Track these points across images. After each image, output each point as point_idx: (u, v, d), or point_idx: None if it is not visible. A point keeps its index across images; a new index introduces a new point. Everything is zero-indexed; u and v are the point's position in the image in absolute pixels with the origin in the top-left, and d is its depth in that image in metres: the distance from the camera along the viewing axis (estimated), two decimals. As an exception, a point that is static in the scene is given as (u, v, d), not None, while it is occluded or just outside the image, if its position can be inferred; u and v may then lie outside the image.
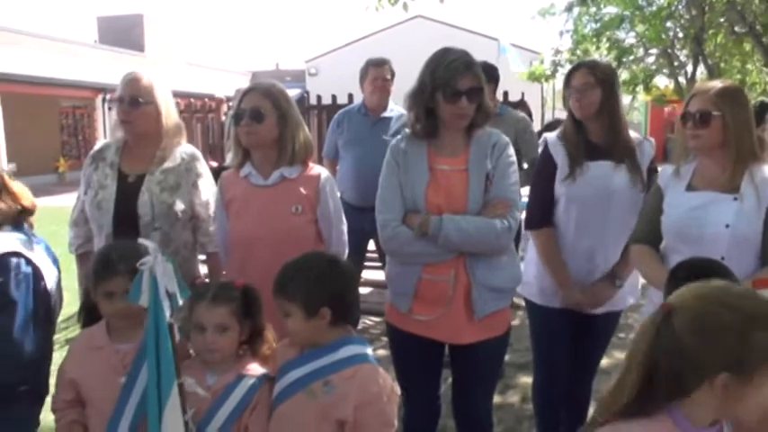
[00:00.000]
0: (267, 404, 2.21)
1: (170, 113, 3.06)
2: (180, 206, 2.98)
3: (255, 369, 2.27)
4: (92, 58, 25.21)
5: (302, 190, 2.81)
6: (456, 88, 2.60)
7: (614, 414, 1.51)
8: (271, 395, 2.22)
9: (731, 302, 1.43)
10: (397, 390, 2.21)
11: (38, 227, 2.59)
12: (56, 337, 2.67)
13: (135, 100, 2.93)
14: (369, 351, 2.24)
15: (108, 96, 18.61)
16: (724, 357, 1.39)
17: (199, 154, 3.17)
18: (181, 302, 2.01)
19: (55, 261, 2.54)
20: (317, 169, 2.92)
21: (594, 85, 2.99)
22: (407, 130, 2.79)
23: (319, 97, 7.78)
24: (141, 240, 2.01)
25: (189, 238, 3.09)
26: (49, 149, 22.97)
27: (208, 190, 3.10)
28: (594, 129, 3.07)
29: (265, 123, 2.76)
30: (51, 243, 2.60)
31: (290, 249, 2.44)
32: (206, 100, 8.83)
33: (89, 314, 2.45)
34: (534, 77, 18.13)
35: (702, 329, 1.41)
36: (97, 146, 3.16)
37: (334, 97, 7.48)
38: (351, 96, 7.06)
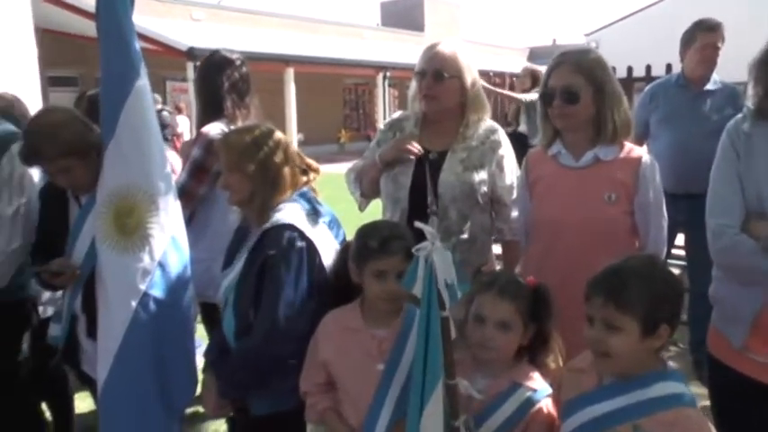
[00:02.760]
0: (546, 425, 1.92)
1: (474, 87, 2.85)
2: (482, 188, 2.76)
3: (535, 381, 1.98)
4: (374, 40, 27.08)
5: (619, 175, 2.43)
6: None
7: None
8: (552, 416, 1.94)
9: None
10: None
11: (318, 190, 2.56)
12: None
13: (439, 74, 2.75)
14: (689, 391, 1.78)
15: (388, 74, 20.08)
16: None
17: (503, 132, 2.92)
18: (459, 295, 1.78)
19: (340, 235, 2.48)
20: (636, 151, 2.51)
21: None
22: (750, 106, 2.22)
23: (613, 69, 7.11)
24: (418, 224, 1.79)
25: (487, 222, 2.87)
26: (332, 122, 25.75)
27: (512, 172, 2.85)
28: None
29: (580, 103, 2.42)
30: (330, 205, 2.56)
31: (599, 244, 2.18)
32: (490, 75, 8.61)
33: (337, 293, 2.33)
34: None
35: None
36: (396, 115, 3.06)
37: (629, 69, 6.84)
38: (648, 68, 6.45)
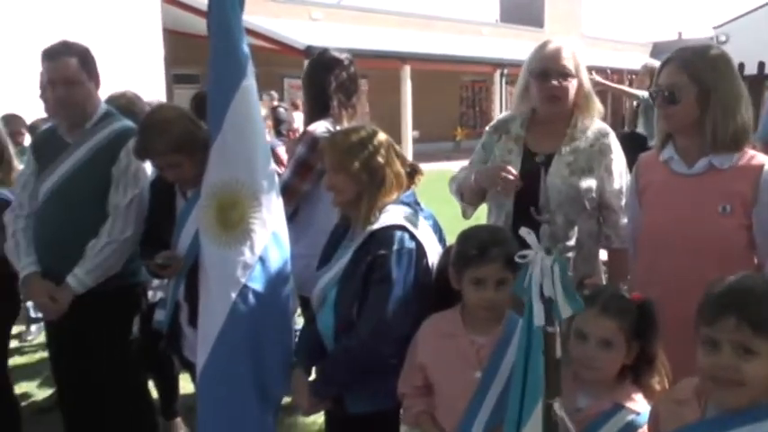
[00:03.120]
0: None
1: (586, 87, 2.75)
2: (590, 193, 2.65)
3: (638, 403, 1.88)
4: (492, 37, 26.72)
5: (735, 184, 2.24)
6: None
7: None
8: None
9: None
10: None
11: (432, 189, 2.54)
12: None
13: (565, 74, 2.65)
14: None
15: (506, 71, 19.89)
16: None
17: (612, 134, 2.80)
18: (565, 313, 1.65)
19: (441, 239, 2.46)
20: (759, 158, 2.30)
21: None
22: None
23: (741, 65, 6.68)
24: (523, 232, 1.71)
25: (594, 228, 2.75)
26: (448, 120, 25.73)
27: (621, 176, 2.72)
28: None
29: (681, 104, 2.26)
30: (442, 206, 2.54)
31: (711, 259, 2.04)
32: (608, 72, 8.29)
33: (439, 296, 2.30)
34: None
35: None
36: (501, 116, 2.99)
37: (761, 65, 6.40)
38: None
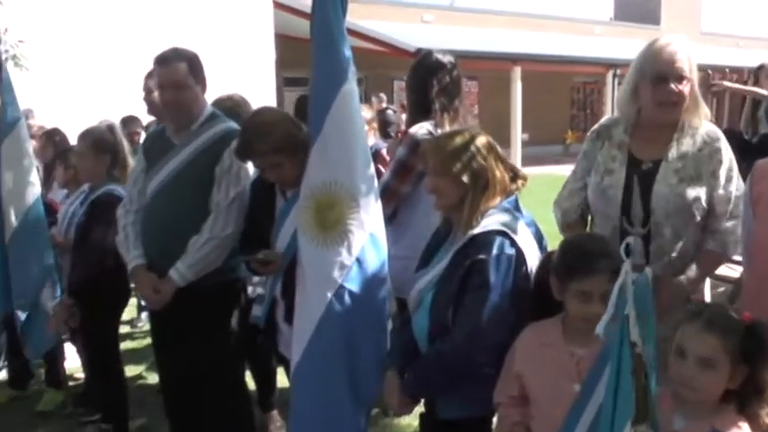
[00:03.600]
0: None
1: (696, 89, 2.56)
2: (699, 202, 2.48)
3: (742, 431, 1.74)
4: (606, 36, 25.80)
5: None
6: None
7: None
8: None
9: None
10: None
11: (538, 192, 2.49)
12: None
13: (683, 78, 2.49)
14: None
15: (619, 72, 19.20)
16: None
17: (722, 137, 2.59)
18: (633, 335, 1.55)
19: (542, 246, 2.40)
20: None
21: None
22: None
23: None
24: (629, 240, 1.62)
25: (699, 237, 2.57)
26: (558, 122, 24.97)
27: (731, 182, 2.53)
28: None
29: None
30: (548, 211, 2.50)
31: None
32: (726, 71, 7.79)
33: (537, 304, 2.23)
34: None
35: None
36: (603, 120, 2.84)
37: None
38: None
